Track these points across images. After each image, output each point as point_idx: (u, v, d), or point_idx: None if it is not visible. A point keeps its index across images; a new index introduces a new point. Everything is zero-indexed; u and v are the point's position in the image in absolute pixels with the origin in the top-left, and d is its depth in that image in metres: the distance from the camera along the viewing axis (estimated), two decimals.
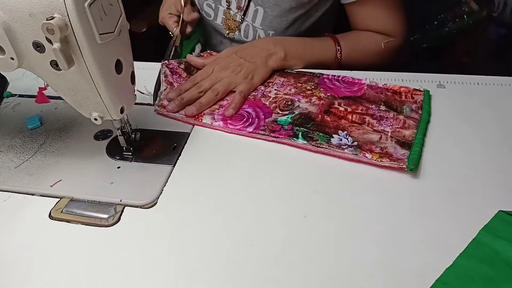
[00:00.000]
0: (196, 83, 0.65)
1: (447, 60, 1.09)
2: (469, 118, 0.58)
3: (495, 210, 0.45)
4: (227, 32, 0.83)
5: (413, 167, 0.49)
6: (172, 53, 0.76)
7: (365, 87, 0.64)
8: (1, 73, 0.73)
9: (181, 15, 0.80)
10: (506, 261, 0.40)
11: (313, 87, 0.65)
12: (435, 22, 1.00)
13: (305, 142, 0.54)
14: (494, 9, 1.19)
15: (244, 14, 0.79)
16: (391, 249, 0.42)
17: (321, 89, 0.64)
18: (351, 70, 0.70)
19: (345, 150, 0.53)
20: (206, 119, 0.60)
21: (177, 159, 0.55)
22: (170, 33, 0.82)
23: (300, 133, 0.56)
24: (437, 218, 0.45)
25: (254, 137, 0.57)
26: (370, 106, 0.60)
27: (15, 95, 0.71)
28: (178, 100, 0.62)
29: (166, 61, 0.70)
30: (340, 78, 0.67)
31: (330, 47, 0.74)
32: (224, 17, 0.82)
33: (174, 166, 0.54)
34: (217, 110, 0.62)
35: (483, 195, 0.47)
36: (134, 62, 0.51)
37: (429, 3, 1.00)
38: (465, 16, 0.98)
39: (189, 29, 0.83)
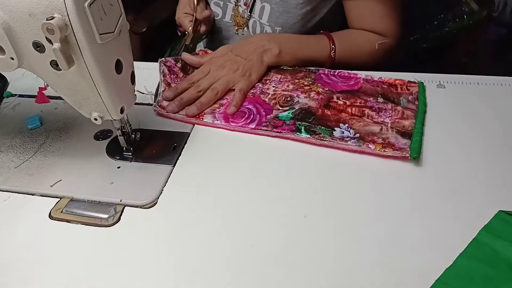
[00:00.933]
0: (192, 82, 0.66)
1: (447, 60, 1.09)
2: (469, 118, 0.58)
3: (495, 210, 0.45)
4: (236, 28, 0.83)
5: (416, 155, 0.50)
6: (181, 50, 0.76)
7: (361, 81, 0.65)
8: (1, 73, 0.73)
9: (194, 14, 0.80)
10: (506, 261, 0.40)
11: (310, 82, 0.66)
12: (435, 22, 1.00)
13: (308, 136, 0.55)
14: (494, 9, 1.19)
15: (251, 11, 0.79)
16: (391, 249, 0.42)
17: (319, 84, 0.65)
18: (344, 69, 0.70)
19: (349, 142, 0.53)
20: (207, 118, 0.61)
21: (177, 159, 0.55)
22: (178, 31, 0.82)
23: (303, 128, 0.56)
24: (437, 218, 0.45)
25: (257, 133, 0.58)
26: (368, 99, 0.61)
27: (15, 95, 0.71)
28: (177, 101, 0.62)
29: (163, 58, 0.70)
30: (336, 73, 0.68)
31: (324, 45, 0.74)
32: (233, 13, 0.82)
33: (174, 166, 0.54)
34: (217, 109, 0.62)
35: (483, 195, 0.47)
36: (134, 62, 0.51)
37: (429, 3, 1.00)
38: (465, 16, 0.98)
39: (203, 28, 0.83)
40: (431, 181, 0.49)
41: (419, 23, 1.01)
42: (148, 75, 0.70)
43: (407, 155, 0.51)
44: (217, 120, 0.60)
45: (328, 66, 0.73)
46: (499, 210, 0.45)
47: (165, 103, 0.63)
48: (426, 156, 0.53)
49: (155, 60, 0.74)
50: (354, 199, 0.48)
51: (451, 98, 0.62)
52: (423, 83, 0.64)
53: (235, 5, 0.81)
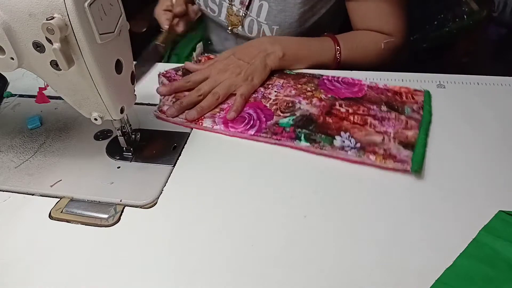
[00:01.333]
0: (189, 81, 0.65)
1: (447, 60, 1.09)
2: (469, 118, 0.58)
3: (495, 210, 0.45)
4: (230, 27, 0.83)
5: (417, 168, 0.49)
6: (151, 49, 0.74)
7: (366, 88, 0.64)
8: (1, 73, 0.73)
9: (173, 11, 0.79)
10: (506, 261, 0.40)
11: (313, 88, 0.65)
12: (435, 22, 1.00)
13: (308, 144, 0.54)
14: (494, 9, 1.19)
15: (248, 9, 0.79)
16: (391, 249, 0.42)
17: (322, 90, 0.64)
18: (351, 70, 0.70)
19: (349, 152, 0.53)
20: (207, 123, 0.60)
21: (177, 159, 0.55)
22: (161, 30, 0.81)
23: (303, 135, 0.55)
24: (437, 218, 0.45)
25: (256, 140, 0.57)
26: (372, 107, 0.60)
27: (15, 95, 0.71)
28: (177, 105, 0.62)
29: (163, 71, 0.69)
30: (340, 79, 0.67)
31: (329, 47, 0.73)
32: (226, 13, 0.82)
33: (174, 166, 0.54)
34: (218, 114, 0.62)
35: (483, 195, 0.47)
36: (134, 62, 0.51)
37: (429, 3, 1.00)
38: (465, 16, 0.98)
39: (180, 28, 0.81)
40: (431, 181, 0.49)
41: (419, 23, 1.00)
42: (148, 75, 0.70)
43: (408, 168, 0.49)
44: (217, 125, 0.59)
45: (333, 68, 0.73)
46: (499, 210, 0.45)
47: (165, 107, 0.63)
48: (426, 155, 0.52)
49: None
50: (354, 199, 0.48)
51: (451, 98, 0.62)
52: (429, 92, 0.62)
53: (229, 4, 0.80)
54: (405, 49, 0.79)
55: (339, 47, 0.73)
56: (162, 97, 0.65)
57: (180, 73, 0.70)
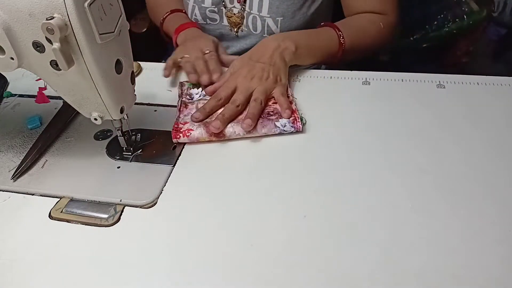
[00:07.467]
0: (220, 99, 0.61)
1: (447, 60, 1.09)
2: (469, 118, 0.58)
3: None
4: (235, 29, 0.82)
5: None
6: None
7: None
8: (1, 73, 0.73)
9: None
10: None
11: None
12: (435, 22, 1.00)
13: None
14: (494, 9, 1.19)
15: (249, 7, 0.78)
16: (391, 249, 0.42)
17: None
18: (355, 55, 0.69)
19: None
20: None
21: (177, 159, 0.55)
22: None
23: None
24: (437, 218, 0.45)
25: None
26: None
27: (15, 95, 0.71)
28: (220, 118, 0.57)
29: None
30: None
31: (332, 34, 0.72)
32: (226, 17, 0.81)
33: (174, 166, 0.54)
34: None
35: (483, 195, 0.47)
36: (134, 62, 0.51)
37: (429, 3, 1.01)
38: (465, 16, 0.98)
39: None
40: (431, 180, 0.49)
41: (419, 23, 1.01)
42: (148, 75, 0.70)
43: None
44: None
45: (340, 55, 0.72)
46: None
47: (186, 126, 0.59)
48: (426, 156, 0.53)
49: (155, 60, 0.74)
50: (354, 199, 0.48)
51: (451, 98, 0.62)
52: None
53: (227, 9, 0.80)
54: (398, 28, 0.79)
55: (341, 33, 0.72)
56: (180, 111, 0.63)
57: (183, 90, 0.68)
